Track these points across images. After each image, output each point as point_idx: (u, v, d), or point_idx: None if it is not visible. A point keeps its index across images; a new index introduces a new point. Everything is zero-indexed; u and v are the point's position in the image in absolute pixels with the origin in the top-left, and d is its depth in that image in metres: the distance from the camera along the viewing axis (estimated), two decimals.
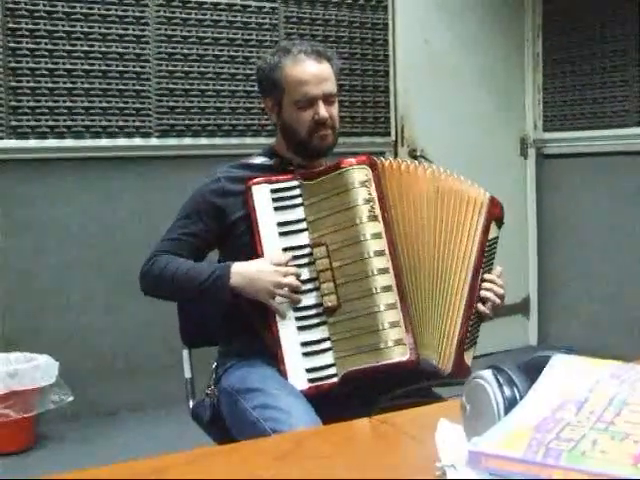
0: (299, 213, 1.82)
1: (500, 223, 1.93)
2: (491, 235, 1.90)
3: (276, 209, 1.82)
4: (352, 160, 1.80)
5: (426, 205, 1.83)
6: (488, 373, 1.02)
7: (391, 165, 1.84)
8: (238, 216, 1.85)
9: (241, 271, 1.79)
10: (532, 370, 1.02)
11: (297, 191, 1.84)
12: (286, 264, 1.78)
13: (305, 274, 1.79)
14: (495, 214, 1.91)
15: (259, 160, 1.98)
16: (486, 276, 1.87)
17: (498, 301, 1.87)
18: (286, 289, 1.77)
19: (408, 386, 1.42)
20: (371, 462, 1.11)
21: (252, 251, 1.81)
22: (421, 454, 1.08)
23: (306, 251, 1.80)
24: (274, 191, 1.83)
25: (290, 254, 1.80)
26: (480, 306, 1.85)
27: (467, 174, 1.91)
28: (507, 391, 1.00)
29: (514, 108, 4.69)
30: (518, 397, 0.99)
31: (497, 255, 1.93)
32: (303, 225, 1.82)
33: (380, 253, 1.75)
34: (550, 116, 4.64)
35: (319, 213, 1.80)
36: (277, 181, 1.84)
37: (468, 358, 1.85)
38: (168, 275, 1.83)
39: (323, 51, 1.92)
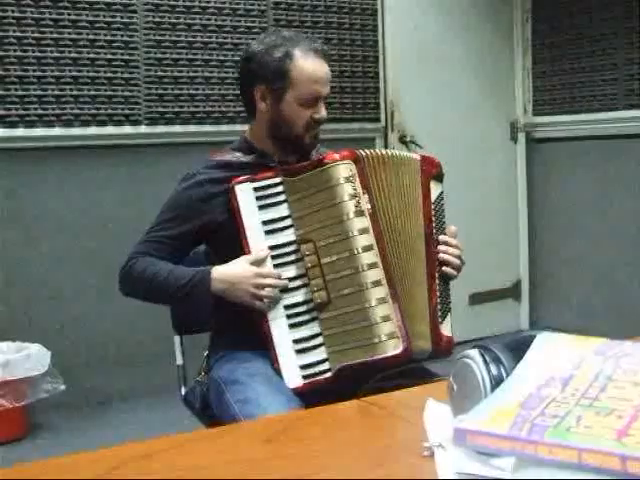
0: (284, 210, 1.80)
1: (441, 178, 1.92)
2: (435, 194, 1.90)
3: (260, 207, 1.80)
4: (335, 155, 1.78)
5: (395, 190, 1.83)
6: (475, 352, 1.03)
7: (376, 156, 1.82)
8: (223, 218, 1.82)
9: (221, 277, 1.77)
10: (518, 348, 1.02)
11: (280, 188, 1.80)
12: (264, 260, 1.77)
13: (293, 271, 1.78)
14: (432, 173, 1.90)
15: (235, 156, 1.91)
16: (440, 238, 1.87)
17: (457, 262, 1.88)
18: (268, 289, 1.76)
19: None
20: (360, 443, 1.11)
21: (240, 251, 1.79)
22: (410, 434, 1.08)
23: (293, 248, 1.79)
24: (257, 189, 1.80)
25: (267, 251, 1.78)
26: (445, 269, 1.86)
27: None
28: (493, 369, 1.00)
29: (504, 92, 4.69)
30: (505, 375, 0.99)
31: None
32: (288, 222, 1.80)
33: (368, 248, 1.74)
34: (540, 100, 4.64)
35: (304, 210, 1.78)
36: (260, 179, 1.81)
37: (446, 329, 1.85)
38: (146, 279, 1.81)
39: (326, 51, 1.88)
